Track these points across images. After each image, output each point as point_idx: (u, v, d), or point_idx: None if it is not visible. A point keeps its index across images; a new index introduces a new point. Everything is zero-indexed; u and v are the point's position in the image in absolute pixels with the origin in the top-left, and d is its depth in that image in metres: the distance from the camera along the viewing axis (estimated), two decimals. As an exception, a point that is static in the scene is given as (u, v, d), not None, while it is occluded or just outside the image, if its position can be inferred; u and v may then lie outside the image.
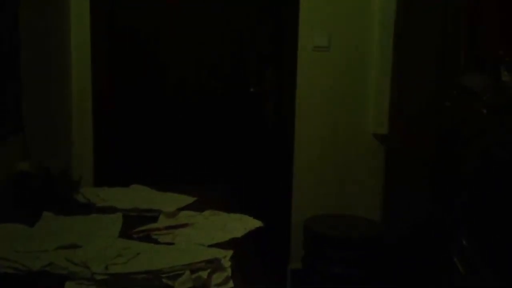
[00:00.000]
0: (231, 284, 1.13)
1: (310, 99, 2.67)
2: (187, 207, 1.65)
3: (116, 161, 2.51)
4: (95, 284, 1.10)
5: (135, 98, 2.58)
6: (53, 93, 2.25)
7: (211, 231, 1.43)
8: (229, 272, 1.17)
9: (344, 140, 2.67)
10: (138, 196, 1.71)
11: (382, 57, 2.54)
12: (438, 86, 1.96)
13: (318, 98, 2.68)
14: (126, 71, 2.56)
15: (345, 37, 2.64)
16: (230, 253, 1.27)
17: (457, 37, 1.69)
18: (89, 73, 2.50)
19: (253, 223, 1.52)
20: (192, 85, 2.61)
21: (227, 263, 1.21)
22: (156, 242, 1.34)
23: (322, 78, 2.67)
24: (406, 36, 2.34)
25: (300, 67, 2.66)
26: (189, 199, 1.72)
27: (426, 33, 2.15)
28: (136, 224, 1.45)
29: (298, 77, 2.67)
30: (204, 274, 1.13)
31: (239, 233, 1.44)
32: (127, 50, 2.57)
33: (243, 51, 2.67)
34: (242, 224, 1.50)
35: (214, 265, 1.17)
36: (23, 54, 1.83)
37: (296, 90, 2.68)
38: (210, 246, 1.32)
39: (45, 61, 2.14)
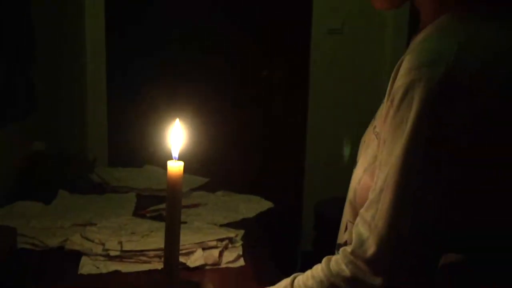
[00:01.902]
0: (242, 262, 1.15)
1: (323, 82, 2.67)
2: (200, 188, 1.67)
3: (130, 142, 2.53)
4: (109, 259, 1.12)
5: (150, 77, 2.59)
6: (67, 73, 2.27)
7: (223, 211, 1.45)
8: (240, 250, 1.19)
9: (357, 123, 2.66)
10: (151, 176, 1.73)
11: (396, 39, 2.52)
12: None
13: (331, 81, 2.67)
14: (141, 48, 2.56)
15: (359, 20, 2.62)
16: (241, 232, 1.29)
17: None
18: (104, 52, 2.51)
19: (265, 204, 1.54)
20: (204, 68, 2.61)
21: (238, 242, 1.23)
22: (168, 221, 1.36)
23: (335, 61, 2.66)
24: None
25: (313, 50, 2.65)
26: (202, 180, 1.74)
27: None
28: (149, 204, 1.48)
29: (311, 60, 2.66)
30: (215, 252, 1.15)
31: (250, 213, 1.46)
32: (142, 24, 2.57)
33: (255, 35, 2.66)
34: (253, 205, 1.52)
35: (225, 243, 1.19)
36: (36, 34, 1.85)
37: (310, 73, 2.67)
38: (222, 225, 1.34)
39: (59, 41, 2.16)
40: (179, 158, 0.93)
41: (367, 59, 2.64)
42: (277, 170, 2.70)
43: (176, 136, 0.93)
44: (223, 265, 1.13)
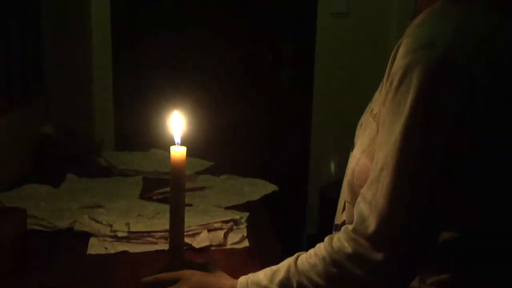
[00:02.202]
0: (246, 243, 1.17)
1: (329, 66, 2.66)
2: (205, 171, 1.69)
3: (136, 126, 2.55)
4: (117, 240, 1.15)
5: (156, 61, 2.60)
6: (74, 56, 2.29)
7: (228, 194, 1.47)
8: (245, 232, 1.22)
9: (363, 106, 2.66)
10: (157, 160, 1.76)
11: (402, 23, 2.50)
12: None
13: (337, 65, 2.67)
14: (148, 30, 2.57)
15: (364, 3, 2.60)
16: (246, 214, 1.31)
17: None
18: (109, 34, 2.52)
19: (270, 187, 1.56)
20: (210, 52, 2.62)
21: (243, 224, 1.25)
22: (175, 203, 1.38)
23: (341, 44, 2.65)
24: None
25: (318, 34, 2.64)
26: (207, 163, 1.76)
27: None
28: (155, 187, 1.50)
29: (317, 44, 2.65)
30: (220, 234, 1.17)
31: (255, 196, 1.48)
32: (149, 9, 2.57)
33: (260, 18, 2.65)
34: (258, 188, 1.54)
35: (230, 225, 1.21)
36: (43, 18, 1.86)
37: (315, 57, 2.67)
38: (227, 208, 1.36)
39: (65, 25, 2.17)
40: (184, 143, 0.95)
41: (372, 43, 2.63)
42: (282, 153, 2.72)
43: (176, 123, 0.96)
44: (228, 246, 1.16)
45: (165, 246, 1.13)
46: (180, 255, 0.97)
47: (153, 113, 2.60)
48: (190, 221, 1.19)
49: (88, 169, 1.66)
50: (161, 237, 1.16)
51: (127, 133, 2.57)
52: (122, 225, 1.19)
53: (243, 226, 1.24)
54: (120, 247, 1.13)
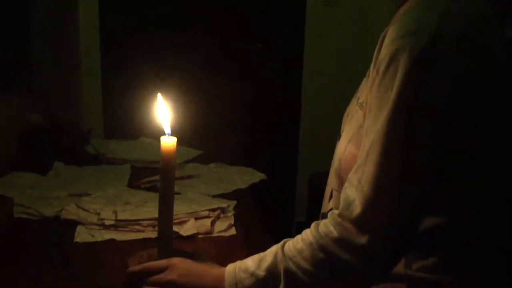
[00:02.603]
0: (233, 231, 1.18)
1: (318, 54, 2.66)
2: (194, 160, 1.69)
3: (125, 113, 2.54)
4: (104, 228, 1.15)
5: (145, 49, 2.58)
6: (61, 45, 2.27)
7: (216, 183, 1.47)
8: (232, 220, 1.22)
9: (352, 95, 2.67)
10: (146, 149, 1.76)
11: (392, 12, 2.50)
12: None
13: (327, 54, 2.67)
14: (136, 19, 2.55)
15: (355, -8, 2.60)
16: (233, 203, 1.32)
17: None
18: (97, 22, 2.50)
19: (258, 176, 1.57)
20: (199, 41, 2.61)
21: (230, 212, 1.26)
22: (162, 191, 1.39)
23: (331, 33, 2.65)
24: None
25: (308, 22, 2.63)
26: (196, 152, 1.76)
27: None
28: (144, 175, 1.50)
29: (307, 33, 2.65)
30: (207, 222, 1.18)
31: (243, 184, 1.49)
32: (137, 2, 2.55)
33: (250, 6, 2.64)
34: (246, 176, 1.54)
35: (217, 213, 1.22)
36: (31, 7, 1.84)
37: (304, 45, 2.66)
38: (215, 196, 1.37)
39: (53, 13, 2.15)
40: (173, 133, 0.95)
41: (362, 32, 2.63)
42: (272, 142, 2.73)
43: (163, 112, 0.95)
44: (215, 234, 1.16)
45: (153, 234, 1.14)
46: (168, 244, 0.97)
47: (142, 102, 2.58)
48: (178, 209, 1.19)
49: (76, 157, 1.65)
50: (148, 225, 1.16)
51: (116, 121, 2.56)
52: (110, 213, 1.19)
53: (231, 214, 1.25)
54: (107, 235, 1.13)
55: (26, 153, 1.66)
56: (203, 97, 2.57)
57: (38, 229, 1.18)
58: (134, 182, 1.46)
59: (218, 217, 1.22)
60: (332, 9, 2.62)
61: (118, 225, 1.16)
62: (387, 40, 0.78)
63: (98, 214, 1.19)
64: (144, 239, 1.13)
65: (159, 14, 2.57)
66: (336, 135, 1.05)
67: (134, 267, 0.95)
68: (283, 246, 0.87)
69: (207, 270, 0.92)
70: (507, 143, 0.83)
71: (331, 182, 0.96)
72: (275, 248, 0.88)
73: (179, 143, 0.96)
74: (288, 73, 2.73)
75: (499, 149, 0.82)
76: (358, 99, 0.91)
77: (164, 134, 0.95)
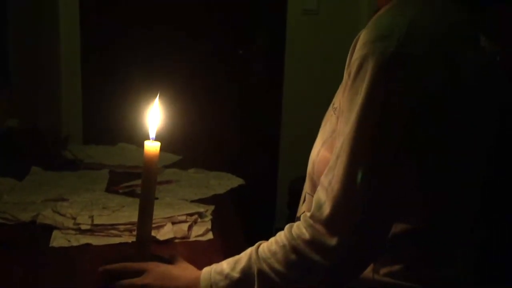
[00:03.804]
0: (210, 236, 1.19)
1: (298, 62, 2.69)
2: (173, 165, 1.70)
3: (105, 119, 2.53)
4: (81, 233, 1.15)
5: (125, 55, 2.58)
6: (41, 48, 2.25)
7: (194, 188, 1.48)
8: (209, 225, 1.23)
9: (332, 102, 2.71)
10: (125, 154, 1.76)
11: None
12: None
13: (306, 60, 2.70)
14: (117, 23, 2.55)
15: (334, 0, 2.64)
16: (211, 208, 1.32)
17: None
18: (78, 28, 2.49)
19: (236, 181, 1.58)
20: (180, 47, 2.61)
21: (207, 217, 1.26)
22: (140, 197, 1.39)
23: (311, 40, 2.68)
24: None
25: (289, 30, 2.66)
26: (175, 157, 1.77)
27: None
28: (122, 180, 1.50)
29: (287, 40, 2.68)
30: (184, 226, 1.18)
31: (221, 189, 1.49)
32: (118, 2, 2.55)
33: (231, 13, 2.66)
34: (224, 182, 1.55)
35: (195, 218, 1.23)
36: (10, 9, 1.83)
37: (285, 52, 2.69)
38: (193, 201, 1.37)
39: (33, 16, 2.13)
40: (157, 138, 0.95)
41: (341, 40, 2.66)
42: (252, 148, 2.74)
43: (154, 116, 0.96)
44: (192, 239, 1.17)
45: (129, 239, 1.14)
46: (146, 248, 0.98)
47: (122, 108, 2.58)
48: (155, 213, 1.18)
49: (53, 163, 1.64)
50: (125, 230, 1.16)
51: (95, 127, 2.55)
52: (86, 218, 1.18)
53: (208, 219, 1.26)
54: (83, 239, 1.13)
55: (3, 158, 1.64)
56: (183, 103, 2.57)
57: (12, 233, 1.17)
58: (112, 187, 1.46)
59: (195, 222, 1.22)
60: (311, 18, 2.65)
61: (94, 229, 1.16)
62: (358, 44, 0.80)
63: (74, 218, 1.19)
64: (120, 244, 1.13)
65: (141, 19, 2.57)
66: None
67: (110, 266, 0.95)
68: (257, 248, 0.89)
69: (182, 273, 0.93)
70: (473, 146, 0.85)
71: (306, 186, 0.97)
72: (249, 250, 0.90)
73: (160, 148, 0.96)
74: (269, 79, 2.75)
75: (466, 151, 0.84)
76: (333, 104, 0.93)
77: (146, 138, 0.95)
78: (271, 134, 2.76)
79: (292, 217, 2.83)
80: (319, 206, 0.81)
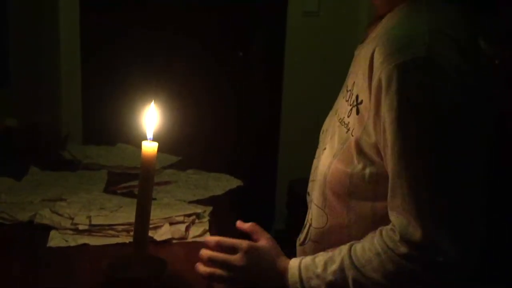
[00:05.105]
0: (208, 236, 1.19)
1: (298, 64, 2.69)
2: (171, 166, 1.70)
3: (104, 119, 2.53)
4: (78, 233, 1.15)
5: (125, 56, 2.58)
6: (41, 48, 2.26)
7: (192, 189, 1.48)
8: (206, 225, 1.23)
9: (330, 104, 2.70)
10: (124, 154, 1.75)
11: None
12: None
13: (306, 63, 2.70)
14: (117, 26, 2.55)
15: (335, 3, 2.64)
16: (209, 209, 1.33)
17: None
18: (78, 27, 2.49)
19: (234, 182, 1.58)
20: (181, 48, 2.62)
21: (205, 218, 1.26)
22: (139, 197, 1.39)
23: (310, 42, 2.68)
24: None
25: (289, 32, 2.67)
26: (174, 158, 1.77)
27: None
28: (121, 181, 1.50)
29: (287, 42, 2.68)
30: (182, 227, 1.18)
31: (219, 191, 1.49)
32: (117, 3, 2.55)
33: (231, 15, 2.66)
34: (223, 183, 1.55)
35: (192, 219, 1.23)
36: (11, 9, 1.83)
37: (285, 55, 2.69)
38: (191, 202, 1.37)
39: (33, 16, 2.14)
40: (153, 138, 0.95)
41: (342, 42, 2.67)
42: (251, 149, 2.74)
43: (151, 118, 0.96)
44: (189, 239, 1.17)
45: (127, 239, 1.14)
46: (144, 248, 0.98)
47: (122, 108, 2.59)
48: (153, 214, 1.18)
49: (52, 163, 1.64)
50: (123, 230, 1.17)
51: (95, 127, 2.55)
52: (84, 218, 1.18)
53: (206, 220, 1.26)
54: (81, 240, 1.13)
55: (1, 158, 1.64)
56: (182, 104, 2.57)
57: (10, 233, 1.17)
58: (111, 187, 1.46)
59: (193, 223, 1.22)
60: (312, 19, 2.66)
61: (92, 230, 1.16)
62: (379, 59, 0.79)
63: (72, 219, 1.19)
64: (117, 244, 1.13)
65: (141, 18, 2.58)
66: (316, 143, 1.07)
67: (211, 238, 0.97)
68: (349, 250, 0.86)
69: (275, 260, 0.92)
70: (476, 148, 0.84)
71: (314, 197, 0.96)
72: (341, 251, 0.87)
73: (158, 150, 0.97)
74: (269, 81, 2.75)
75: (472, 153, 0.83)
76: (338, 115, 0.93)
77: (144, 139, 0.95)
78: (270, 136, 2.77)
79: (292, 219, 2.84)
80: (406, 228, 0.80)
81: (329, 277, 0.85)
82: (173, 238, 1.16)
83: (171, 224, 1.19)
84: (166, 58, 2.59)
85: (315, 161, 1.03)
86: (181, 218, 1.21)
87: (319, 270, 0.86)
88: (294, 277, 0.88)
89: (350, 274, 0.84)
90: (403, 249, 0.80)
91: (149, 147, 0.94)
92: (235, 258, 0.91)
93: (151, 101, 0.99)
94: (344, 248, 0.87)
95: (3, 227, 1.19)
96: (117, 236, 1.16)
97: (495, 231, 1.01)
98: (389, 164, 0.80)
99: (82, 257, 1.08)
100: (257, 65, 2.74)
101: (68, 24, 2.47)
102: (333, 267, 0.85)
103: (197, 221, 1.24)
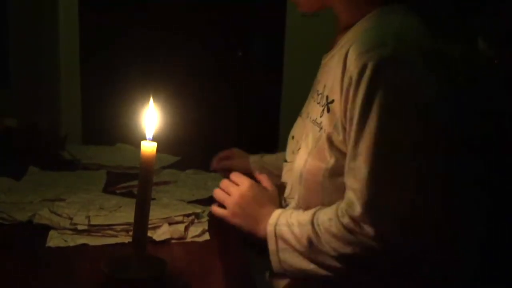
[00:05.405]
0: (207, 236, 1.19)
1: (297, 64, 2.70)
2: (171, 166, 1.69)
3: (104, 119, 2.53)
4: (77, 233, 1.15)
5: (125, 56, 2.58)
6: (41, 49, 2.26)
7: (191, 189, 1.48)
8: (206, 225, 1.23)
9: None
10: (123, 155, 1.76)
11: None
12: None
13: (305, 63, 2.70)
14: (116, 26, 2.55)
15: (334, 3, 2.64)
16: (208, 209, 1.32)
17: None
18: (77, 27, 2.49)
19: (234, 182, 1.57)
20: (181, 48, 2.62)
21: (204, 218, 1.26)
22: (138, 197, 1.38)
23: (310, 43, 2.68)
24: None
25: (288, 32, 2.67)
26: (173, 158, 1.77)
27: None
28: (120, 181, 1.50)
29: (286, 43, 2.68)
30: (181, 227, 1.18)
31: (219, 191, 1.49)
32: (117, 6, 2.56)
33: (230, 15, 2.66)
34: (222, 183, 1.55)
35: (191, 219, 1.23)
36: (10, 10, 1.83)
37: (284, 55, 2.69)
38: (190, 202, 1.37)
39: (33, 17, 2.14)
40: (153, 138, 0.95)
41: (341, 42, 2.67)
42: (251, 149, 2.73)
43: (150, 117, 0.96)
44: (188, 239, 1.17)
45: (126, 239, 1.14)
46: (143, 248, 0.98)
47: (122, 108, 2.59)
48: (152, 214, 1.17)
49: (51, 163, 1.64)
50: (122, 230, 1.16)
51: (95, 127, 2.55)
52: (83, 218, 1.18)
53: (205, 219, 1.26)
54: (80, 240, 1.13)
55: (1, 158, 1.64)
56: (181, 104, 2.57)
57: (9, 233, 1.17)
58: (110, 187, 1.46)
59: (192, 223, 1.22)
60: (311, 20, 2.65)
61: (91, 230, 1.16)
62: (352, 58, 0.89)
63: (71, 218, 1.18)
64: (117, 244, 1.13)
65: (141, 18, 2.58)
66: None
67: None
68: (316, 211, 0.98)
69: (266, 205, 1.09)
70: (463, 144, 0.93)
71: (287, 191, 1.09)
72: (312, 211, 0.99)
73: (158, 150, 0.97)
74: (268, 81, 2.75)
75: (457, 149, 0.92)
76: (310, 117, 1.04)
77: (144, 139, 0.95)
78: (270, 136, 2.76)
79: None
80: (351, 202, 0.91)
81: (296, 229, 0.98)
82: (172, 238, 1.16)
83: (170, 224, 1.19)
84: (165, 58, 2.59)
85: (284, 164, 1.16)
86: (180, 218, 1.21)
87: (292, 219, 1.00)
88: (273, 219, 1.03)
89: (308, 229, 0.96)
90: (345, 219, 0.92)
91: (148, 147, 0.94)
92: (240, 187, 1.12)
93: (149, 102, 0.99)
94: (315, 209, 0.99)
95: (2, 227, 1.19)
96: (116, 236, 1.15)
97: (495, 231, 1.01)
98: (348, 147, 0.91)
99: (81, 257, 1.08)
100: (256, 65, 2.74)
101: (67, 24, 2.47)
102: (301, 219, 0.99)
103: (196, 221, 1.24)
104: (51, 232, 1.15)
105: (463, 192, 0.91)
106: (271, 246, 1.02)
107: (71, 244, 1.12)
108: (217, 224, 1.25)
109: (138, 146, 0.94)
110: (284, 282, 1.07)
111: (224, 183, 1.16)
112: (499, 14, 1.58)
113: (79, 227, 1.16)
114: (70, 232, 1.15)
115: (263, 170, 1.29)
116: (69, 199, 1.31)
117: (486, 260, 0.94)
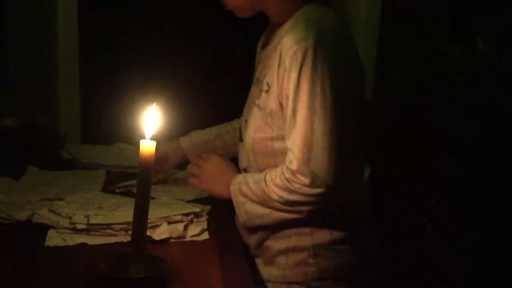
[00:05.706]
0: (206, 235, 1.19)
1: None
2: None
3: (103, 119, 2.53)
4: (76, 232, 1.15)
5: (124, 56, 2.58)
6: (40, 48, 2.26)
7: (191, 188, 1.47)
8: (205, 225, 1.23)
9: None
10: (122, 154, 1.75)
11: (368, 24, 2.55)
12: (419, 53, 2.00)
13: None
14: (116, 25, 2.55)
15: (335, 2, 2.64)
16: (207, 208, 1.32)
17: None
18: (76, 26, 2.49)
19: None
20: (180, 48, 2.62)
21: (203, 217, 1.26)
22: (137, 196, 1.38)
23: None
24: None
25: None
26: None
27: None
28: (119, 180, 1.50)
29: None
30: (180, 226, 1.18)
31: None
32: (117, 6, 2.55)
33: (230, 15, 2.66)
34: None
35: (191, 218, 1.23)
36: (9, 9, 1.83)
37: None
38: (189, 201, 1.37)
39: (33, 17, 2.14)
40: (154, 138, 0.95)
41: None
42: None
43: (151, 119, 0.96)
44: (187, 238, 1.17)
45: (125, 238, 1.14)
46: (142, 247, 0.97)
47: (121, 108, 2.58)
48: (151, 213, 1.17)
49: (50, 162, 1.64)
50: (121, 229, 1.16)
51: (94, 127, 2.55)
52: (82, 217, 1.18)
53: (204, 219, 1.26)
54: (79, 239, 1.13)
55: (0, 157, 1.64)
56: (181, 103, 2.57)
57: (8, 232, 1.17)
58: (109, 186, 1.46)
59: (191, 222, 1.22)
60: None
61: (90, 229, 1.16)
62: (284, 50, 1.14)
63: (70, 218, 1.18)
64: (116, 243, 1.13)
65: (140, 18, 2.57)
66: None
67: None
68: (265, 174, 1.21)
69: (229, 171, 1.31)
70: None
71: (243, 160, 1.32)
72: (262, 175, 1.22)
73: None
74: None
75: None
76: (254, 101, 1.29)
77: (143, 138, 0.95)
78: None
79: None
80: (290, 159, 1.16)
81: (252, 185, 1.21)
82: (171, 237, 1.16)
83: (169, 223, 1.19)
84: (165, 57, 2.59)
85: (241, 144, 1.37)
86: (179, 217, 1.21)
87: (249, 179, 1.23)
88: (236, 181, 1.25)
89: (262, 184, 1.19)
90: (287, 173, 1.15)
91: (147, 146, 0.94)
92: (206, 160, 1.35)
93: (152, 102, 0.99)
94: (266, 170, 1.22)
95: (1, 226, 1.19)
96: (115, 235, 1.15)
97: (495, 231, 1.01)
98: (287, 118, 1.15)
99: (80, 256, 1.08)
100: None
101: (66, 24, 2.47)
102: (256, 178, 1.21)
103: (195, 220, 1.24)
104: (50, 232, 1.15)
105: (463, 191, 0.91)
106: (236, 201, 1.24)
107: (70, 243, 1.12)
108: (216, 223, 1.25)
109: (137, 145, 0.94)
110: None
111: (195, 159, 1.41)
112: (499, 14, 1.58)
113: (78, 226, 1.16)
114: (69, 231, 1.15)
115: (202, 152, 1.48)
116: (68, 198, 1.31)
117: (486, 260, 0.93)
